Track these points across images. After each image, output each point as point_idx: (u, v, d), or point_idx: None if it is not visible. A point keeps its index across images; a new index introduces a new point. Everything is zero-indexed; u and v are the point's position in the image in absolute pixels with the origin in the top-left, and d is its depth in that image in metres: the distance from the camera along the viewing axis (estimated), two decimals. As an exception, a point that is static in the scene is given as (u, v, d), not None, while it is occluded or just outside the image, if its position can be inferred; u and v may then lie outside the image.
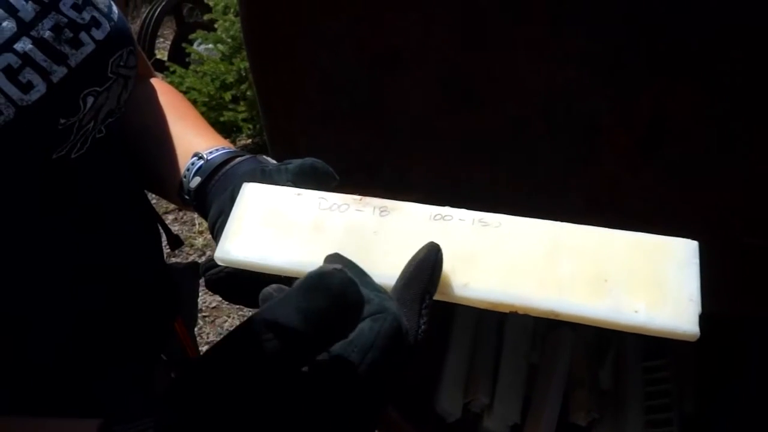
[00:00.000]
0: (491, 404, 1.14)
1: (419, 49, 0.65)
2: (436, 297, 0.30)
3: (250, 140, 2.50)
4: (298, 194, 0.35)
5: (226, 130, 2.34)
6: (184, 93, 2.28)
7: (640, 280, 0.29)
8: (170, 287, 0.57)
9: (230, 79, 2.25)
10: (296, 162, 0.41)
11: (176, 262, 0.72)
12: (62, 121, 0.38)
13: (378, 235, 0.32)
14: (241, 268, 0.33)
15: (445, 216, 0.32)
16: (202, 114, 2.33)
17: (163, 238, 0.60)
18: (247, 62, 0.74)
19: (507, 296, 0.29)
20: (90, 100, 0.40)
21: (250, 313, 0.27)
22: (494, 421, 1.12)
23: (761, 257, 0.67)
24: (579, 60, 0.61)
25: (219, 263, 0.33)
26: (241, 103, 2.28)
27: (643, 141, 0.63)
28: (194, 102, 2.25)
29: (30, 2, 0.37)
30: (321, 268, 0.25)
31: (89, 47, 0.40)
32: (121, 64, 0.43)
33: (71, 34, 0.38)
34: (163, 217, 2.21)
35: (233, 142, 2.47)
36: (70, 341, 0.45)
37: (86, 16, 0.40)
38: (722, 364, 1.11)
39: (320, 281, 0.24)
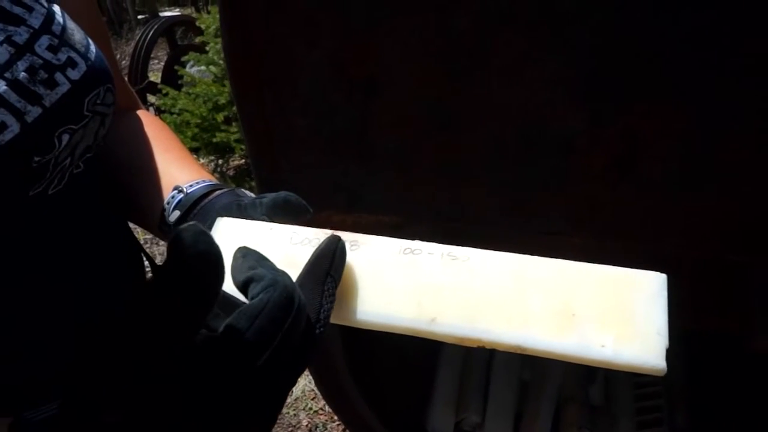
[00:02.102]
0: (482, 422, 1.14)
1: (397, 76, 0.66)
2: (405, 331, 0.30)
3: (243, 160, 2.51)
4: (271, 229, 0.35)
5: (218, 151, 2.36)
6: (177, 115, 2.30)
7: (608, 314, 0.29)
8: None
9: (222, 100, 2.26)
10: (270, 196, 0.41)
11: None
12: (36, 159, 0.38)
13: (348, 269, 0.32)
14: None
15: (415, 250, 0.32)
16: (195, 135, 2.35)
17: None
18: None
19: (473, 331, 0.29)
20: (65, 138, 0.40)
21: None
22: (486, 439, 1.12)
23: (742, 273, 0.68)
24: (553, 84, 0.62)
25: None
26: (234, 124, 2.29)
27: (618, 160, 0.64)
28: (187, 124, 2.27)
29: (5, 45, 0.37)
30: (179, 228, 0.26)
31: (64, 87, 0.40)
32: (98, 102, 0.43)
33: (46, 75, 0.39)
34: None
35: (226, 162, 2.49)
36: (37, 367, 0.45)
37: (62, 56, 0.40)
38: (713, 378, 1.11)
39: (175, 239, 0.25)
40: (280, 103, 0.72)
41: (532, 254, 0.33)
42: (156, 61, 3.80)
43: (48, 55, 0.40)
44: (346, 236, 0.34)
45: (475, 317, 0.30)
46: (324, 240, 0.32)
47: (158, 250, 2.23)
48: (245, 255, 0.31)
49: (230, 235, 0.36)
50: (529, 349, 0.29)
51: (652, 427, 1.11)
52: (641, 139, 0.63)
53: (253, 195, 0.46)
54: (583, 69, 0.61)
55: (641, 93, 0.61)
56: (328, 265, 0.31)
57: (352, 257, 0.33)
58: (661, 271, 0.33)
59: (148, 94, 2.77)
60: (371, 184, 0.73)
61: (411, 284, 0.31)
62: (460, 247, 0.32)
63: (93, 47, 0.44)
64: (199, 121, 2.26)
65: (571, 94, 0.63)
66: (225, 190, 0.48)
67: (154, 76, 3.03)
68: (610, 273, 0.30)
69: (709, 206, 0.63)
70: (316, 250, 0.32)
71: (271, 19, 0.69)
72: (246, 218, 0.39)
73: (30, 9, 0.40)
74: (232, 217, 0.39)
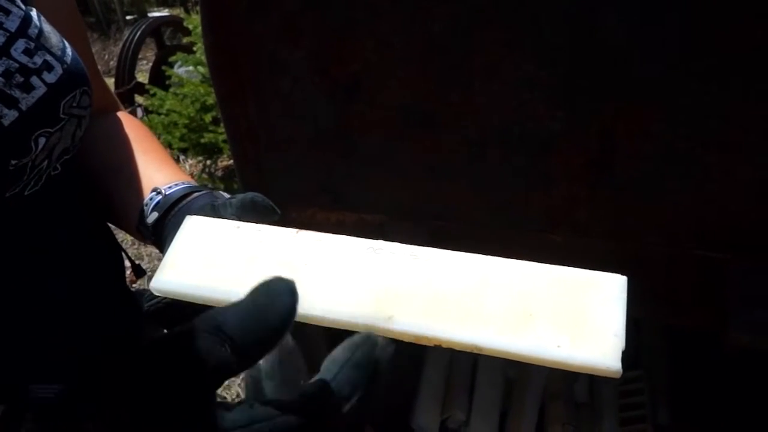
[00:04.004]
0: (468, 420, 1.14)
1: (378, 77, 0.67)
2: (362, 328, 0.30)
3: (231, 161, 2.51)
4: (237, 227, 0.35)
5: (207, 151, 2.36)
6: (165, 115, 2.30)
7: (565, 315, 0.29)
8: (134, 315, 0.58)
9: (210, 101, 2.26)
10: (239, 196, 0.42)
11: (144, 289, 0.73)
12: (13, 162, 0.39)
13: (309, 267, 0.32)
14: (175, 298, 0.33)
15: (377, 249, 0.33)
16: (183, 136, 2.34)
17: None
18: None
19: (429, 330, 0.30)
20: (42, 141, 0.40)
21: None
22: (471, 436, 1.13)
23: (717, 270, 0.69)
24: (531, 85, 0.63)
25: (155, 293, 0.34)
26: (222, 124, 2.29)
27: (595, 160, 0.65)
28: (175, 124, 2.26)
29: None
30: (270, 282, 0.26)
31: (40, 90, 0.40)
32: (74, 104, 0.43)
33: (22, 79, 0.39)
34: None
35: (214, 163, 2.48)
36: (20, 366, 0.45)
37: (38, 60, 0.40)
38: (695, 375, 1.13)
39: (261, 292, 0.25)
40: (262, 103, 0.72)
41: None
42: (144, 61, 3.79)
43: (24, 59, 0.40)
44: (310, 235, 0.34)
45: (433, 316, 0.30)
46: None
47: (145, 251, 2.23)
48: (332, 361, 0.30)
49: (196, 233, 0.36)
50: (485, 349, 0.29)
51: (635, 424, 1.12)
52: (616, 140, 0.64)
53: (227, 196, 0.47)
54: (561, 71, 0.62)
55: (617, 94, 0.62)
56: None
57: (315, 256, 0.33)
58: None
59: (135, 95, 2.76)
60: (354, 183, 0.74)
61: (371, 282, 0.31)
62: (422, 248, 0.33)
63: (69, 50, 0.44)
64: (187, 121, 2.26)
65: (550, 95, 0.64)
66: (202, 192, 0.49)
67: (142, 77, 3.02)
68: (570, 274, 0.30)
69: (684, 204, 0.64)
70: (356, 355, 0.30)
71: (253, 20, 0.69)
72: (217, 218, 0.39)
73: (7, 12, 0.40)
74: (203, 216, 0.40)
